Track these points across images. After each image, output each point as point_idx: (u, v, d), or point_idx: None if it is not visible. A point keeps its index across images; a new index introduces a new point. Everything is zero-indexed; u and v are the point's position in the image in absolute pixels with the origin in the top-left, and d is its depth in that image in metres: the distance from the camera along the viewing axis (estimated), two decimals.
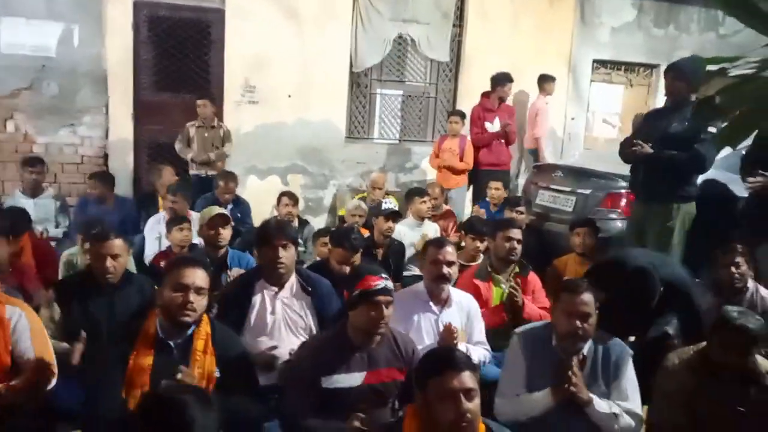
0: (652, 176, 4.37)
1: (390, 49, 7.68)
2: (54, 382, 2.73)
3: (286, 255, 3.17)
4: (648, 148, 4.27)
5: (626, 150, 4.41)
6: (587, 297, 2.69)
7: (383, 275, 2.64)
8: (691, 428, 2.71)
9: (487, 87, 7.13)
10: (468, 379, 1.87)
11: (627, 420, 2.70)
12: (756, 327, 2.67)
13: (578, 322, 2.65)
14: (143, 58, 7.04)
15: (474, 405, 1.86)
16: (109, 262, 3.20)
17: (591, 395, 2.68)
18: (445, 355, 1.98)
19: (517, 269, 4.02)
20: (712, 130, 4.12)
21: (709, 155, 4.17)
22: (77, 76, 6.83)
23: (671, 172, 4.22)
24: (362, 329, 2.61)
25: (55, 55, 6.75)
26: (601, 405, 2.69)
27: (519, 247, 3.96)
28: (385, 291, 2.57)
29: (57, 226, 5.80)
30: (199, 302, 2.54)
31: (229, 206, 5.86)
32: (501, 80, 6.89)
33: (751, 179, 4.30)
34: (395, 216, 5.03)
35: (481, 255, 4.56)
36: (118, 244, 3.23)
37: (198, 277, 2.55)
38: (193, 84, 7.19)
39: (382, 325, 2.58)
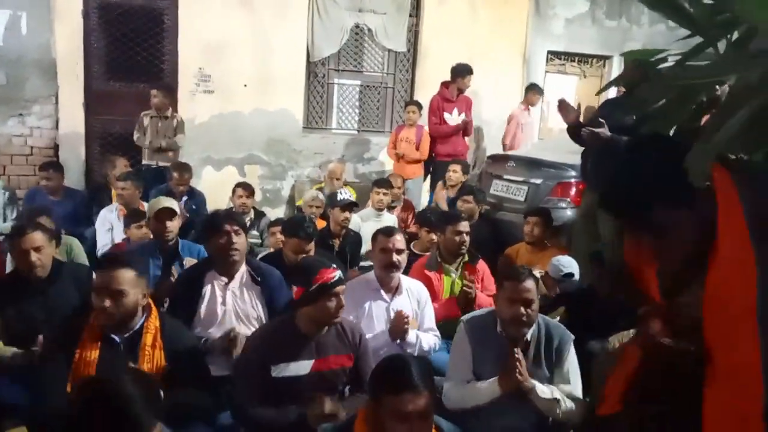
0: (602, 164, 4.45)
1: (347, 38, 7.67)
2: None
3: (239, 240, 3.17)
4: (606, 131, 4.32)
5: (585, 131, 4.40)
6: (529, 284, 2.77)
7: (333, 265, 2.68)
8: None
9: (445, 77, 7.15)
10: (424, 400, 1.86)
11: (569, 404, 2.79)
12: None
13: (522, 309, 2.73)
14: (94, 47, 6.90)
15: (427, 425, 1.88)
16: (33, 256, 3.12)
17: (533, 382, 2.75)
18: (405, 373, 1.91)
19: (466, 258, 4.09)
20: None
21: None
22: (25, 65, 6.66)
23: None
24: (319, 320, 2.64)
25: (1, 43, 6.57)
26: (543, 391, 2.76)
27: (467, 240, 4.04)
28: (341, 281, 2.63)
29: (5, 220, 5.67)
30: (124, 305, 2.51)
31: (184, 198, 5.80)
32: (461, 72, 6.93)
33: None
34: (351, 207, 5.05)
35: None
36: (37, 236, 3.15)
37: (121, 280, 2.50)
38: (147, 73, 7.07)
39: (340, 314, 2.63)
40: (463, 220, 4.12)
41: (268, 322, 3.06)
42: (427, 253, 4.45)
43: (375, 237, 3.52)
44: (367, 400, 1.94)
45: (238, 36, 7.21)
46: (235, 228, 3.19)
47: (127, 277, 2.50)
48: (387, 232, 3.48)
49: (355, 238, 5.15)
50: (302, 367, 2.64)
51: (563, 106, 4.58)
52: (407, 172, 6.87)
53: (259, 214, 5.86)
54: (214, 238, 3.24)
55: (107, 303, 2.44)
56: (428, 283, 3.81)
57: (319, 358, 2.67)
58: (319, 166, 7.73)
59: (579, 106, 4.61)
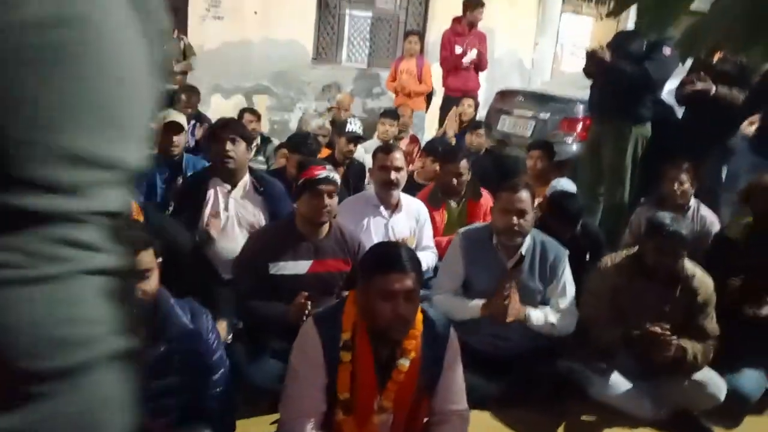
0: (606, 95, 4.45)
1: None
2: None
3: (234, 149, 3.18)
4: (607, 55, 4.32)
5: (586, 54, 4.44)
6: (524, 195, 2.82)
7: (327, 166, 2.72)
8: (616, 323, 2.88)
9: (458, 12, 7.04)
10: (410, 281, 1.90)
11: (563, 322, 2.88)
12: (686, 232, 2.82)
13: (515, 218, 2.78)
14: None
15: (413, 305, 1.92)
16: None
17: (527, 310, 2.83)
18: (393, 254, 1.96)
19: (468, 195, 4.06)
20: (666, 51, 4.19)
21: (656, 73, 4.24)
22: None
23: (623, 89, 4.29)
24: (307, 217, 2.70)
25: None
26: (537, 318, 2.86)
27: (466, 179, 3.95)
28: (326, 180, 2.66)
29: None
30: None
31: (192, 122, 5.81)
32: (471, 3, 6.79)
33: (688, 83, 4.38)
34: (357, 140, 5.05)
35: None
36: None
37: None
38: None
39: (325, 213, 2.67)
40: (462, 160, 3.97)
41: (269, 223, 3.12)
42: (431, 183, 4.46)
43: (374, 155, 3.55)
44: (358, 281, 2.00)
45: None
46: (231, 136, 3.20)
47: None
48: (386, 149, 3.51)
49: (359, 168, 5.15)
50: (300, 266, 2.72)
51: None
52: (410, 106, 6.74)
53: (266, 140, 5.87)
54: (213, 146, 3.29)
55: None
56: (430, 218, 3.80)
57: (317, 260, 2.74)
58: (327, 99, 7.67)
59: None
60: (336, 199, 2.72)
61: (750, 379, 2.97)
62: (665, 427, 2.87)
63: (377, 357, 1.94)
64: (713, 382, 2.85)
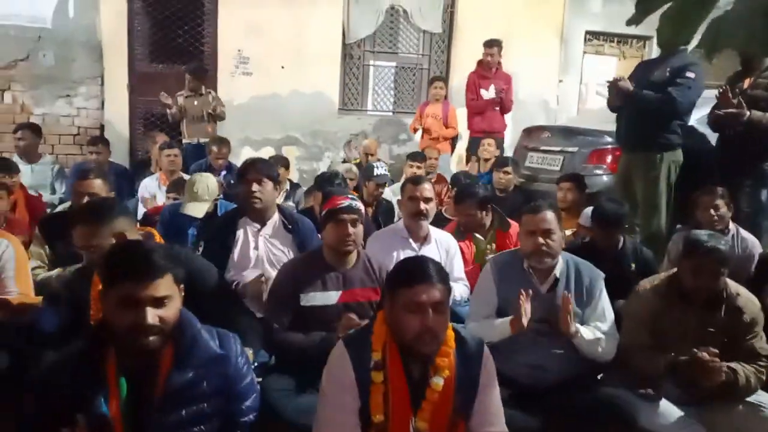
0: (633, 124, 4.42)
1: (382, 20, 7.73)
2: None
3: (260, 189, 3.22)
4: (628, 84, 4.31)
5: (608, 84, 4.44)
6: (549, 215, 2.77)
7: (350, 195, 2.73)
8: (659, 349, 2.76)
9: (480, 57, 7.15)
10: (438, 292, 1.85)
11: (607, 343, 2.77)
12: (725, 248, 2.72)
13: (540, 239, 2.72)
14: (138, 29, 7.12)
15: (442, 318, 1.87)
16: (87, 200, 3.25)
17: (577, 325, 2.73)
18: (419, 266, 1.93)
19: (497, 225, 4.03)
20: (690, 75, 4.16)
21: (682, 98, 4.22)
22: (73, 47, 6.92)
23: (649, 117, 4.25)
24: (332, 247, 2.70)
25: (50, 25, 6.84)
26: (586, 333, 2.75)
27: (479, 217, 3.88)
28: (349, 209, 2.66)
29: (53, 192, 5.89)
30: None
31: (223, 172, 5.93)
32: (486, 44, 6.89)
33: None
34: (384, 184, 5.09)
35: None
36: (97, 183, 3.31)
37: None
38: (187, 55, 7.26)
39: (349, 242, 2.66)
40: (469, 199, 3.89)
41: (298, 255, 3.12)
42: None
43: (403, 186, 3.55)
44: (386, 298, 1.96)
45: (275, 18, 7.34)
46: (258, 177, 3.24)
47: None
48: (415, 180, 3.51)
49: (388, 207, 5.19)
50: (330, 297, 2.69)
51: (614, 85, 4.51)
52: (436, 148, 6.82)
53: (295, 186, 5.96)
54: (240, 187, 3.33)
55: None
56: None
57: (346, 290, 2.72)
58: (355, 148, 7.77)
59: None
60: (361, 228, 2.71)
61: None
62: None
63: (410, 376, 1.89)
64: None
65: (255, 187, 3.20)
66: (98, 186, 3.31)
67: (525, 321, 2.66)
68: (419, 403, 1.87)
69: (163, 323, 1.62)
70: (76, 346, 1.73)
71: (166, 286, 1.62)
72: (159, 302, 1.61)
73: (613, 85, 4.38)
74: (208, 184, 4.01)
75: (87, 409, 1.61)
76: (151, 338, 1.60)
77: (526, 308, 2.67)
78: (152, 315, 1.59)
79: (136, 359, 1.66)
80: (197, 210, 3.90)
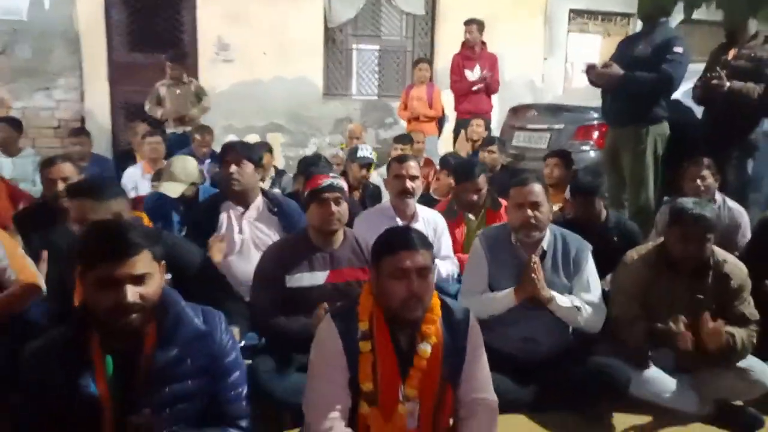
0: (619, 100, 4.40)
1: (364, 3, 7.65)
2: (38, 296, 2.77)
3: (239, 171, 3.18)
4: (618, 69, 4.28)
5: (595, 72, 4.41)
6: (536, 188, 2.76)
7: (331, 174, 2.69)
8: (648, 319, 2.75)
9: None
10: (421, 257, 1.87)
11: (589, 311, 2.76)
12: (711, 215, 2.71)
13: (529, 211, 2.71)
14: (115, 19, 7.02)
15: (427, 282, 1.88)
16: (61, 186, 3.19)
17: (552, 292, 2.72)
18: (402, 235, 1.96)
19: (488, 205, 4.00)
20: (679, 50, 4.15)
21: (676, 74, 4.20)
22: (50, 39, 6.81)
23: (639, 94, 4.24)
24: (317, 227, 2.67)
25: (26, 18, 6.72)
26: (563, 300, 2.74)
27: (485, 193, 3.88)
28: (331, 187, 2.63)
29: (34, 185, 5.80)
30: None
31: (207, 160, 5.87)
32: (465, 22, 6.83)
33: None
34: (369, 166, 5.05)
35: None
36: (67, 167, 3.24)
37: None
38: (167, 43, 7.16)
39: (333, 220, 2.63)
40: (480, 175, 3.88)
41: (283, 237, 3.08)
42: (444, 198, 4.42)
43: (389, 165, 3.51)
44: (371, 269, 1.94)
45: (255, 3, 7.26)
46: (237, 159, 3.20)
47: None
48: (401, 159, 3.48)
49: (375, 191, 5.15)
50: (317, 277, 2.66)
51: (591, 68, 4.49)
52: (422, 131, 6.79)
53: (281, 172, 5.90)
54: (221, 169, 3.29)
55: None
56: (449, 232, 3.71)
57: (333, 270, 2.68)
58: (340, 133, 7.73)
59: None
60: (345, 206, 2.67)
61: None
62: (713, 421, 2.72)
63: (398, 345, 1.88)
64: (759, 369, 2.70)
65: (233, 168, 3.17)
66: (68, 170, 3.24)
67: (540, 285, 2.66)
68: (407, 371, 1.86)
69: (144, 301, 1.58)
70: (59, 330, 1.70)
71: (144, 263, 1.59)
72: (138, 280, 1.57)
73: (602, 74, 4.34)
74: (185, 165, 3.96)
75: (75, 390, 1.58)
76: (132, 316, 1.57)
77: (539, 274, 2.67)
78: (132, 293, 1.55)
79: (119, 339, 1.63)
80: (172, 190, 3.85)
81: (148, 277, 1.59)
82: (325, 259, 2.69)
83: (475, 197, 3.80)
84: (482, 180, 3.84)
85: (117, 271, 1.54)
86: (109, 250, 1.56)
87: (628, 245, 3.09)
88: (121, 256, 1.55)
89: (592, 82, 4.56)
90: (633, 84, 4.27)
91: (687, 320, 2.66)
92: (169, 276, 2.58)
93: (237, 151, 3.25)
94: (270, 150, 5.85)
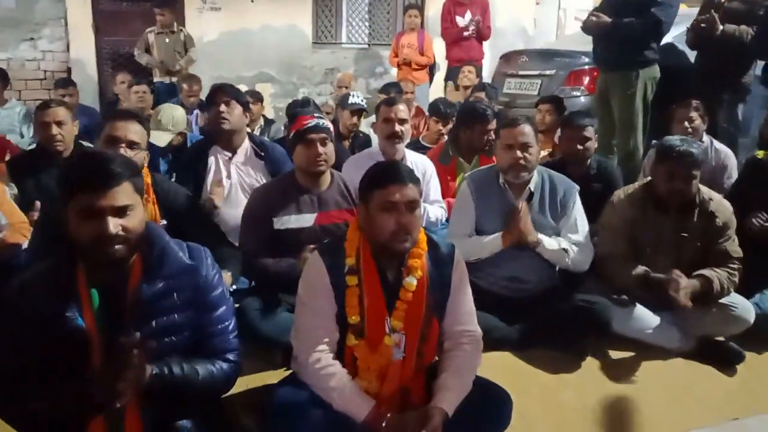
0: (609, 45, 4.36)
1: None
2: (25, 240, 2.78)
3: (228, 111, 3.18)
4: (605, 18, 4.24)
5: (586, 21, 4.39)
6: (527, 128, 2.75)
7: (316, 114, 2.68)
8: (635, 257, 2.79)
9: None
10: (410, 191, 1.88)
11: (576, 252, 2.79)
12: (697, 152, 2.72)
13: (518, 152, 2.71)
14: None
15: (415, 216, 1.89)
16: (55, 129, 3.16)
17: (540, 236, 2.75)
18: (390, 168, 1.97)
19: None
20: None
21: (665, 18, 4.15)
22: None
23: (629, 38, 4.20)
24: (303, 168, 2.66)
25: None
26: (550, 243, 2.77)
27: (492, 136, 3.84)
28: (317, 128, 2.61)
29: (22, 137, 5.75)
30: (133, 156, 2.53)
31: (195, 110, 5.81)
32: None
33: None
34: (360, 113, 5.00)
35: (444, 138, 4.54)
36: (61, 111, 3.20)
37: (130, 130, 2.54)
38: None
39: (321, 161, 2.61)
40: (493, 119, 3.90)
41: (271, 179, 3.09)
42: (434, 145, 4.39)
43: (378, 108, 3.49)
44: (359, 203, 1.96)
45: None
46: (226, 99, 3.20)
47: (141, 131, 2.58)
48: (389, 101, 3.45)
49: (365, 139, 5.12)
50: (305, 219, 2.67)
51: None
52: (413, 79, 6.71)
53: (270, 122, 5.86)
54: (210, 112, 3.27)
55: (124, 152, 2.45)
56: (441, 178, 3.70)
57: (321, 212, 2.69)
58: (330, 83, 7.64)
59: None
60: (331, 146, 2.66)
61: None
62: (695, 356, 2.78)
63: (384, 278, 1.91)
64: (741, 305, 2.76)
65: (223, 108, 3.17)
66: (63, 113, 3.21)
67: (527, 229, 2.69)
68: (394, 304, 1.90)
69: (127, 232, 1.58)
70: (45, 264, 1.71)
71: (125, 194, 1.58)
72: (120, 211, 1.57)
73: (591, 24, 4.31)
74: (173, 114, 3.94)
75: (62, 323, 1.59)
76: (116, 247, 1.57)
77: (526, 219, 2.70)
78: (114, 224, 1.55)
79: (104, 271, 1.64)
80: (160, 139, 3.84)
81: (130, 209, 1.59)
82: (312, 201, 2.69)
83: (486, 138, 3.81)
84: (494, 123, 3.85)
85: (99, 202, 1.54)
86: (91, 179, 1.55)
87: (610, 191, 3.10)
88: (102, 186, 1.55)
89: (585, 30, 4.52)
90: (622, 30, 4.23)
91: (671, 257, 2.71)
92: (164, 222, 2.63)
93: (225, 92, 3.24)
94: (260, 99, 5.80)
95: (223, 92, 3.23)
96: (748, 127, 4.79)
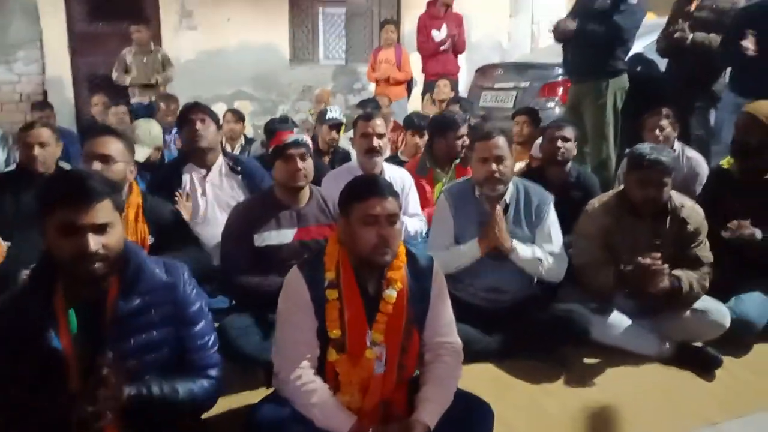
0: (578, 54, 4.45)
1: None
2: None
3: (204, 128, 3.20)
4: (571, 24, 4.34)
5: (556, 27, 4.48)
6: (501, 141, 2.79)
7: (295, 129, 2.70)
8: (609, 264, 2.83)
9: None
10: (390, 204, 1.90)
11: (550, 262, 2.83)
12: (667, 159, 2.78)
13: (493, 165, 2.74)
14: None
15: (395, 229, 1.91)
16: (37, 150, 3.16)
17: (514, 243, 2.78)
18: (370, 182, 2.00)
19: (458, 161, 4.05)
20: (632, 1, 4.19)
21: (626, 24, 4.25)
22: (7, 9, 6.61)
23: (595, 46, 4.28)
24: (283, 183, 2.67)
25: None
26: (524, 251, 2.80)
27: (466, 142, 3.93)
28: (296, 144, 2.62)
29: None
30: (111, 169, 2.56)
31: (173, 130, 5.80)
32: None
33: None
34: (339, 127, 5.03)
35: (422, 150, 4.58)
36: (44, 132, 3.20)
37: (105, 145, 2.58)
38: (128, 12, 7.00)
39: (300, 176, 2.63)
40: (464, 124, 3.99)
41: (250, 196, 3.09)
42: (413, 159, 4.43)
43: (355, 123, 3.51)
44: (338, 218, 1.97)
45: None
46: (201, 117, 3.22)
47: (116, 146, 2.61)
48: (366, 116, 3.47)
49: (344, 154, 5.14)
50: (284, 236, 2.67)
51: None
52: (391, 95, 6.76)
53: (250, 140, 5.86)
54: (183, 130, 3.28)
55: (97, 166, 2.48)
56: (420, 190, 3.74)
57: (301, 228, 2.70)
58: (309, 100, 7.66)
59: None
60: (310, 162, 2.67)
61: (753, 304, 2.91)
62: (674, 362, 2.81)
63: (364, 291, 1.92)
64: (716, 309, 2.80)
65: (198, 125, 3.20)
66: (46, 134, 3.21)
67: (502, 235, 2.73)
68: (374, 317, 1.90)
69: (107, 250, 1.59)
70: (20, 286, 1.70)
71: (105, 211, 1.59)
72: (100, 229, 1.58)
73: (556, 30, 4.42)
74: (150, 128, 3.96)
75: (39, 344, 1.58)
76: (96, 265, 1.57)
77: (501, 225, 2.73)
78: (95, 241, 1.55)
79: (83, 289, 1.64)
80: (138, 153, 3.82)
81: (110, 226, 1.59)
82: (292, 217, 2.70)
83: (460, 143, 3.87)
84: (465, 128, 3.92)
85: (79, 219, 1.54)
86: (71, 196, 1.56)
87: (588, 199, 3.15)
88: (83, 202, 1.55)
89: (555, 37, 4.61)
90: (586, 37, 4.32)
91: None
92: (152, 239, 2.63)
93: (200, 109, 3.28)
94: (242, 118, 5.81)
95: (197, 109, 3.26)
96: (719, 133, 4.89)
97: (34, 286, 1.65)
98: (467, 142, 3.90)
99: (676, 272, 2.71)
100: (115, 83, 6.50)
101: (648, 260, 2.62)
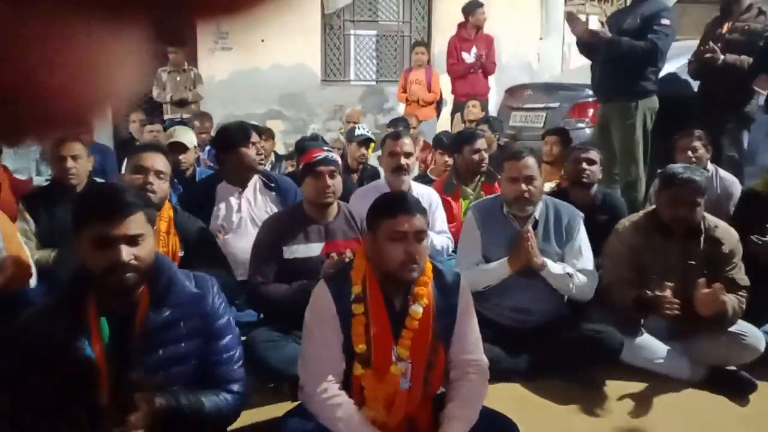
0: (607, 74, 4.42)
1: None
2: (32, 282, 2.81)
3: (251, 154, 3.33)
4: (606, 32, 4.32)
5: (581, 28, 4.46)
6: (530, 161, 2.78)
7: (325, 147, 2.73)
8: (641, 285, 2.79)
9: (461, 20, 7.09)
10: (418, 221, 1.91)
11: (581, 278, 2.80)
12: (700, 179, 2.74)
13: (523, 185, 2.74)
14: None
15: (422, 245, 1.92)
16: (70, 163, 3.23)
17: (544, 259, 2.76)
18: (399, 199, 2.02)
19: (483, 178, 4.06)
20: (666, 21, 4.16)
21: (661, 44, 4.22)
22: None
23: (623, 66, 4.26)
24: (311, 200, 2.70)
25: None
26: (555, 267, 2.78)
27: (486, 157, 3.98)
28: (325, 161, 2.66)
29: (38, 174, 5.87)
30: (160, 185, 2.64)
31: (207, 147, 5.91)
32: (471, 7, 6.84)
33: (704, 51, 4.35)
34: (368, 143, 5.07)
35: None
36: (77, 146, 3.28)
37: (157, 161, 2.65)
38: (165, 32, 7.15)
39: (329, 193, 2.66)
40: (480, 138, 4.02)
41: (280, 210, 3.13)
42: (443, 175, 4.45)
43: (383, 142, 3.54)
44: (367, 233, 1.99)
45: None
46: (253, 141, 3.36)
47: (165, 162, 2.74)
48: (395, 135, 3.50)
49: (373, 171, 5.18)
50: (313, 249, 2.70)
51: (572, 18, 4.56)
52: (420, 115, 6.81)
53: (281, 158, 5.94)
54: (231, 152, 3.31)
55: (152, 179, 2.62)
56: (446, 207, 3.77)
57: (329, 242, 2.73)
58: (339, 119, 7.74)
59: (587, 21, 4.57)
60: (339, 179, 2.71)
61: None
62: (706, 386, 2.75)
63: (390, 307, 1.92)
64: (751, 333, 2.73)
65: (252, 150, 3.33)
66: (78, 148, 3.29)
67: (533, 252, 2.71)
68: (400, 333, 1.90)
69: (139, 261, 1.62)
70: (55, 296, 1.74)
71: (138, 223, 1.63)
72: (133, 240, 1.62)
73: (591, 33, 4.39)
74: (185, 129, 4.11)
75: (72, 353, 1.62)
76: (128, 275, 1.61)
77: (532, 242, 2.71)
78: (127, 252, 1.59)
79: (115, 299, 1.67)
80: (186, 138, 4.11)
81: (142, 239, 1.63)
82: (320, 231, 2.73)
83: (476, 157, 3.87)
84: (481, 142, 3.93)
85: (112, 231, 1.58)
86: (105, 209, 1.60)
87: (615, 222, 3.12)
88: (116, 215, 1.59)
89: (581, 48, 4.59)
90: (618, 48, 4.27)
91: (677, 286, 2.69)
92: (182, 253, 2.69)
93: (247, 135, 3.37)
94: (273, 136, 5.90)
95: (244, 136, 3.34)
96: (754, 155, 4.81)
97: (67, 297, 1.69)
98: (485, 156, 3.92)
99: (722, 297, 2.65)
100: (155, 100, 6.66)
101: (703, 284, 2.56)
